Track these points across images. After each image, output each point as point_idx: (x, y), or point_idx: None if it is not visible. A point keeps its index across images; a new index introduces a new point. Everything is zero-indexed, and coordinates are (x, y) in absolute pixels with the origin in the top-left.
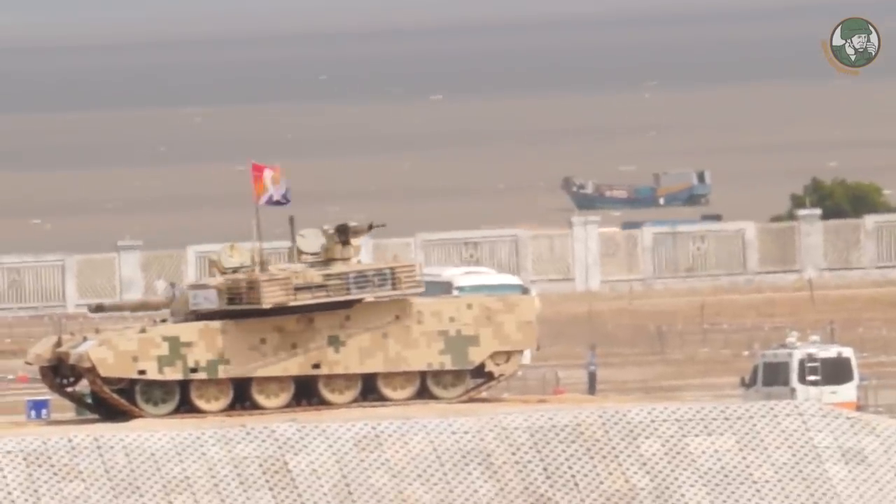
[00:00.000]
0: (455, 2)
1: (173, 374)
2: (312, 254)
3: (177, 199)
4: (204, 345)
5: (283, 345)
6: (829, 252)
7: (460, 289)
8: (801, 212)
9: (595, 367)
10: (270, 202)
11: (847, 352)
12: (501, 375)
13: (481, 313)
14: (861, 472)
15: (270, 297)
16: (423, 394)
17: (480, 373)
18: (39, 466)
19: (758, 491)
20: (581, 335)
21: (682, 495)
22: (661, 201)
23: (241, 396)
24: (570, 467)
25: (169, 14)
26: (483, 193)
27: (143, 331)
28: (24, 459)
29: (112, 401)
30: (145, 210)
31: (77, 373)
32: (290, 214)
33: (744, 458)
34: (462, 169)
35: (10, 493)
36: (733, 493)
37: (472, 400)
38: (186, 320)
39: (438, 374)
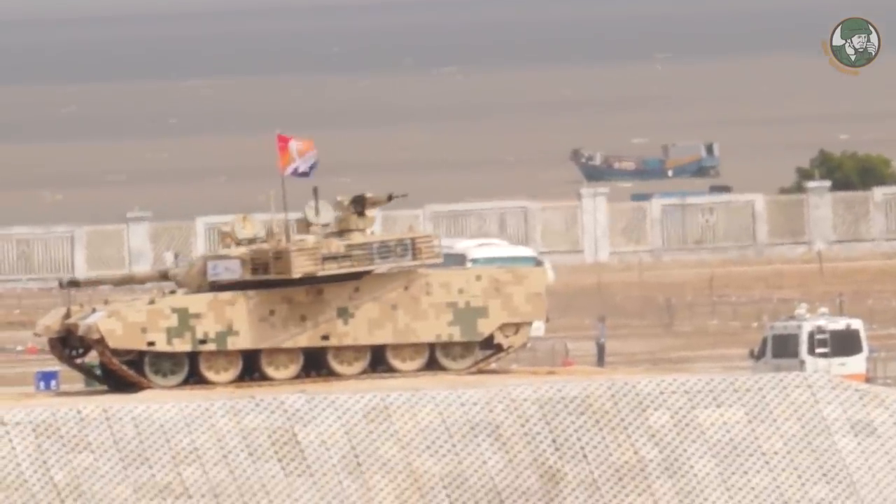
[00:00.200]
0: None
1: (182, 345)
2: (322, 225)
3: (186, 170)
4: (213, 316)
5: (292, 316)
6: (838, 224)
7: (474, 261)
8: (810, 184)
9: (604, 339)
10: (296, 173)
11: (856, 324)
12: (510, 347)
13: (490, 285)
14: (870, 444)
15: (299, 266)
16: (432, 365)
17: (489, 344)
18: (48, 438)
19: (767, 463)
20: (590, 307)
21: (691, 467)
22: (670, 173)
23: (250, 368)
24: (578, 439)
25: None
26: (492, 165)
27: (152, 302)
28: (34, 431)
29: (121, 372)
30: (154, 181)
31: (86, 344)
32: (315, 185)
33: (753, 429)
34: (471, 141)
35: (19, 465)
36: (742, 464)
37: (480, 371)
38: (200, 291)
39: (447, 346)
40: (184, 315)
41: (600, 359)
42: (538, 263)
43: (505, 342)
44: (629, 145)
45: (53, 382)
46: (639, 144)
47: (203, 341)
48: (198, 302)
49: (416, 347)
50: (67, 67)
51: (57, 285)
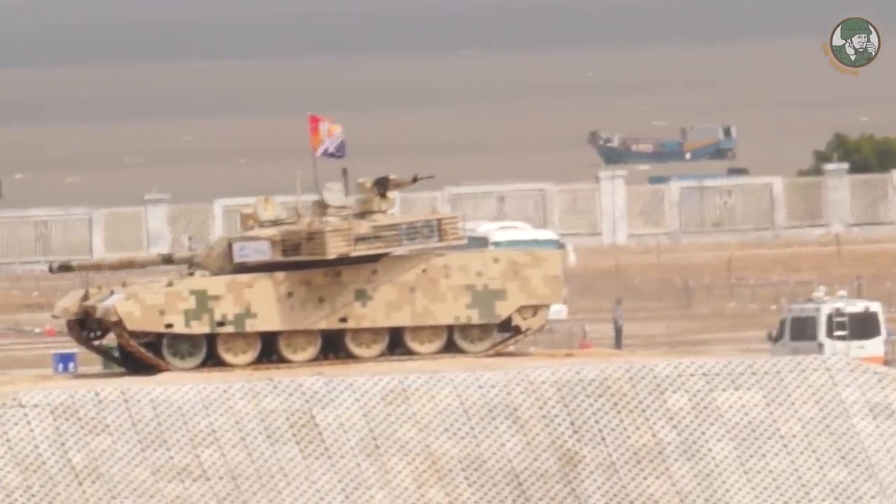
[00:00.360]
0: None
1: (200, 327)
2: (337, 207)
3: (205, 152)
4: (231, 298)
5: (310, 299)
6: (857, 207)
7: (496, 244)
8: (828, 166)
9: (622, 322)
10: (325, 154)
11: (874, 306)
12: (528, 329)
13: (508, 267)
14: (889, 427)
15: (334, 247)
16: (450, 348)
17: (507, 327)
18: (66, 420)
19: (785, 446)
20: (608, 289)
21: (710, 450)
22: (688, 156)
23: (269, 350)
24: (596, 421)
25: None
26: (510, 148)
27: (170, 284)
28: (52, 413)
29: (139, 354)
30: (173, 163)
31: (104, 326)
32: (344, 167)
33: (771, 412)
34: (489, 123)
35: (37, 447)
36: (760, 447)
37: (498, 354)
38: (223, 273)
39: (465, 329)
40: (202, 297)
41: (618, 341)
42: (560, 246)
43: (523, 324)
44: (649, 127)
45: (71, 364)
46: (658, 127)
47: (221, 323)
48: (216, 284)
49: (434, 330)
50: (86, 49)
51: (47, 269)
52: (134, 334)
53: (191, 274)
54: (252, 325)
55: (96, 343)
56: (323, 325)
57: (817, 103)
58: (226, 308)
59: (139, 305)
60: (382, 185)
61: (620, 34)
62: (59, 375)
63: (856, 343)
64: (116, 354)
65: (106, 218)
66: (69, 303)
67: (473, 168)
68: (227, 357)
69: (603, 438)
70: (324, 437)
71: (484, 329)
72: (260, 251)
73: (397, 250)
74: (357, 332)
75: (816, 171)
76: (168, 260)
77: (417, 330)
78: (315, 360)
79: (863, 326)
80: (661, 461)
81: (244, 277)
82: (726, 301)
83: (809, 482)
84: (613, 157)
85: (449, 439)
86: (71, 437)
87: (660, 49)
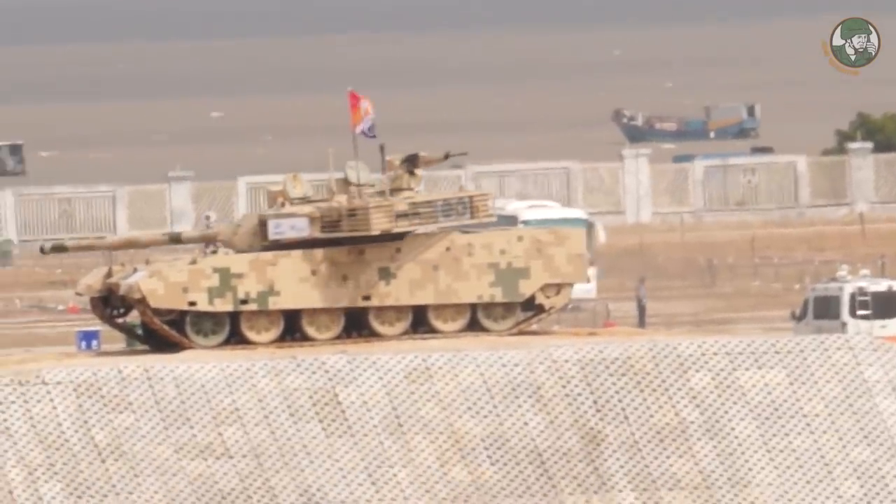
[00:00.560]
0: None
1: (223, 305)
2: (358, 185)
3: (232, 130)
4: (254, 276)
5: (333, 276)
6: (881, 186)
7: (525, 222)
8: (852, 145)
9: (645, 300)
10: (363, 132)
11: None
12: (552, 308)
13: (532, 246)
14: None
15: (377, 223)
16: (474, 326)
17: (531, 305)
18: (90, 397)
19: (808, 425)
20: (632, 268)
21: (732, 428)
22: (712, 135)
23: (292, 328)
24: (619, 400)
25: None
26: (534, 126)
27: (193, 262)
28: (75, 390)
29: (162, 332)
30: (199, 141)
31: (127, 304)
32: (381, 143)
33: (794, 391)
34: (513, 102)
35: (60, 424)
36: (783, 426)
37: (522, 332)
38: (252, 251)
39: (489, 307)
40: (225, 275)
41: (641, 320)
42: (590, 225)
43: (546, 303)
44: (674, 106)
45: (94, 342)
46: (682, 105)
47: (244, 301)
48: (239, 262)
49: (457, 308)
50: (113, 26)
51: (39, 251)
52: (157, 312)
53: (214, 252)
54: (275, 303)
55: (119, 320)
56: (346, 303)
57: (841, 82)
58: (249, 286)
59: (162, 283)
60: (412, 163)
61: (646, 12)
62: (82, 353)
63: (879, 322)
64: (139, 332)
65: (130, 195)
66: (93, 280)
67: (497, 146)
68: (251, 335)
69: (626, 417)
70: (347, 416)
71: (507, 307)
72: (297, 228)
73: (434, 227)
74: (380, 310)
75: (840, 150)
76: (176, 239)
77: (441, 308)
78: (338, 338)
79: (886, 305)
80: (683, 440)
81: (267, 255)
82: (750, 280)
83: (832, 461)
84: (637, 135)
85: (472, 418)
86: (94, 415)
87: (685, 27)
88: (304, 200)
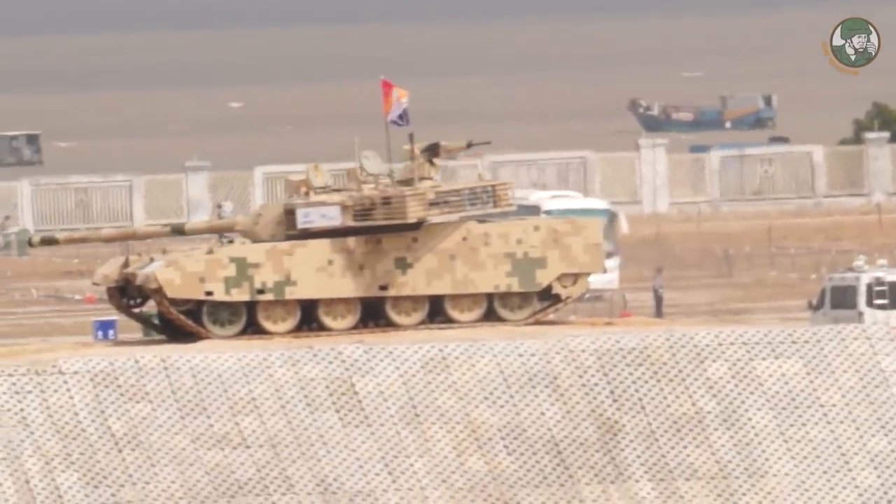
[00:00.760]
0: None
1: (240, 295)
2: (374, 175)
3: (251, 120)
4: (271, 266)
5: (350, 266)
6: None
7: (548, 212)
8: (869, 135)
9: (662, 290)
10: (393, 120)
11: None
12: (568, 298)
13: (548, 235)
14: None
15: (413, 211)
16: (490, 316)
17: (547, 295)
18: (106, 387)
19: (825, 415)
20: (649, 258)
21: (749, 418)
22: (728, 125)
23: (309, 318)
24: (636, 390)
25: None
26: (549, 116)
27: (210, 252)
28: (91, 380)
29: (179, 322)
30: (217, 131)
31: (144, 293)
32: (411, 132)
33: (811, 381)
34: (529, 91)
35: (76, 414)
36: (800, 416)
37: (538, 322)
38: (275, 240)
39: (505, 297)
40: (242, 265)
41: (658, 310)
42: (613, 215)
43: (563, 293)
44: (683, 94)
45: (111, 332)
46: (698, 95)
47: (261, 291)
48: (256, 251)
49: (474, 298)
50: (132, 16)
51: (27, 244)
52: (174, 302)
53: (230, 241)
54: (292, 293)
55: (136, 310)
56: (363, 292)
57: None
58: (266, 276)
59: (179, 273)
60: (433, 152)
61: (663, 2)
62: (98, 343)
63: None
64: (156, 322)
65: (146, 185)
66: (109, 270)
67: (514, 136)
68: (267, 325)
69: (643, 407)
70: (363, 406)
71: (524, 297)
72: (328, 217)
73: (462, 215)
74: (397, 300)
75: (856, 140)
76: (179, 231)
77: (457, 298)
78: (355, 328)
79: None
80: (700, 430)
81: (284, 245)
82: (767, 270)
83: (849, 451)
84: (653, 125)
85: (489, 407)
86: (111, 405)
87: (702, 18)
88: (326, 190)
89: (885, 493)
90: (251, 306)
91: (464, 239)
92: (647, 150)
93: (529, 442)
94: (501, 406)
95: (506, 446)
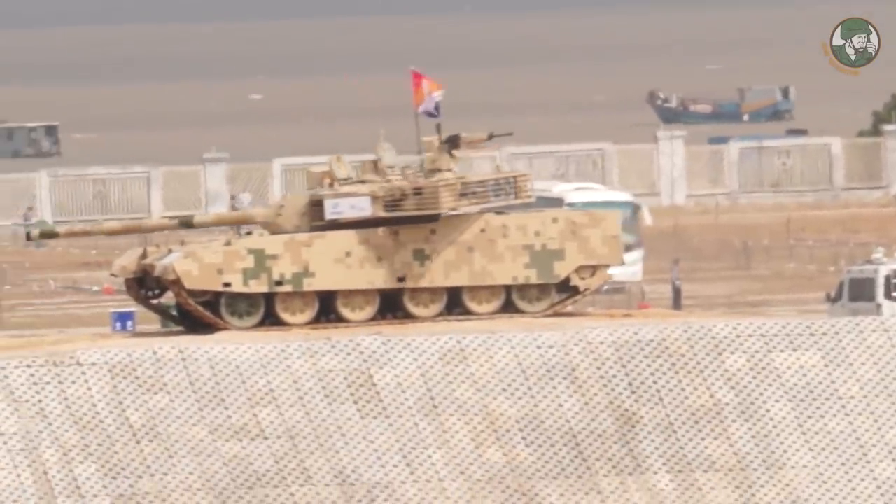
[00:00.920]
0: None
1: (258, 286)
2: (388, 167)
3: (272, 112)
4: (289, 257)
5: (368, 258)
6: None
7: (571, 205)
8: (887, 127)
9: (679, 282)
10: (423, 113)
11: None
12: (587, 290)
13: (567, 227)
14: None
15: (446, 201)
16: (508, 308)
17: (565, 287)
18: (124, 378)
19: (843, 407)
20: (667, 250)
21: (767, 410)
22: (746, 117)
23: (327, 309)
24: (654, 382)
25: None
26: (567, 107)
27: (228, 243)
28: (109, 371)
29: (197, 313)
30: (234, 123)
31: (162, 285)
32: (438, 122)
33: (829, 373)
34: (547, 83)
35: (94, 405)
36: (818, 408)
37: (557, 314)
38: (299, 231)
39: (524, 289)
40: (260, 256)
41: (676, 302)
42: (636, 208)
43: (581, 285)
44: (702, 86)
45: (129, 323)
46: (716, 87)
47: (279, 283)
48: (274, 243)
49: (492, 290)
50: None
51: (25, 237)
52: (192, 293)
53: (248, 233)
54: (310, 285)
55: (154, 302)
56: (381, 284)
57: (875, 63)
58: (284, 267)
59: (197, 264)
60: (453, 143)
61: None
62: (116, 334)
63: None
64: (174, 313)
65: (164, 176)
66: (127, 261)
67: (530, 128)
68: (285, 316)
69: (661, 399)
70: (381, 397)
71: (542, 289)
72: (358, 207)
73: (488, 206)
74: (415, 291)
75: (875, 132)
76: (187, 223)
77: (475, 290)
78: (373, 319)
79: None
80: (718, 422)
81: (302, 237)
82: (785, 262)
83: (867, 443)
84: (671, 117)
85: (507, 399)
86: (128, 396)
87: (722, 10)
88: (349, 181)
89: None
90: (269, 298)
91: (482, 231)
92: (665, 142)
93: (547, 434)
94: (520, 398)
95: (524, 438)
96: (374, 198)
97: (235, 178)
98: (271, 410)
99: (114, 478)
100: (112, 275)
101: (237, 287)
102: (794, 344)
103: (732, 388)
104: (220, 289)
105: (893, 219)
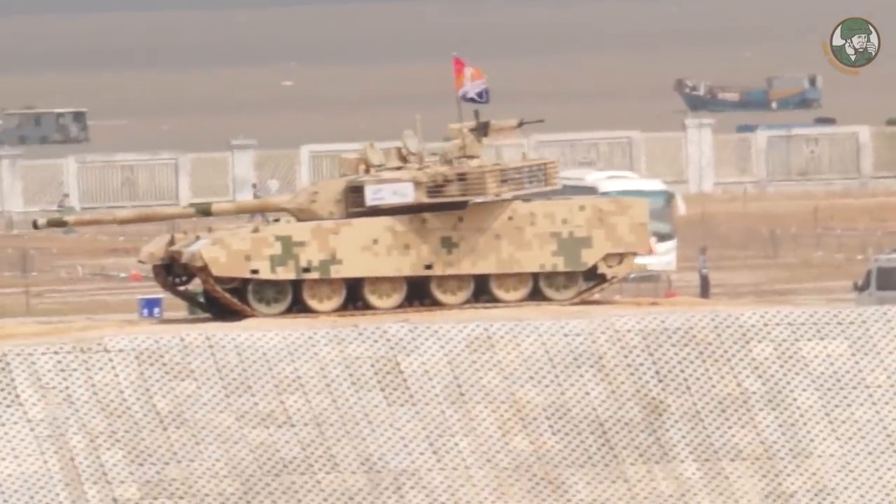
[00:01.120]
0: None
1: (286, 273)
2: (413, 154)
3: (303, 99)
4: (317, 245)
5: (395, 245)
6: None
7: (605, 193)
8: None
9: (706, 270)
10: (465, 98)
11: None
12: (614, 277)
13: (594, 215)
14: None
15: (491, 187)
16: (536, 295)
17: (593, 275)
18: (151, 365)
19: (870, 396)
20: (694, 238)
21: (794, 399)
22: (774, 105)
23: (354, 297)
24: (682, 370)
25: None
26: (595, 96)
27: (256, 230)
28: (136, 358)
29: (224, 300)
30: (263, 110)
31: (190, 272)
32: (476, 109)
33: (856, 362)
34: (575, 71)
35: (122, 392)
36: (846, 397)
37: (584, 302)
38: (334, 218)
39: (551, 276)
40: (287, 243)
41: (703, 290)
42: (670, 196)
43: (609, 272)
44: (737, 75)
45: (157, 310)
46: (745, 75)
47: (307, 269)
48: (301, 230)
49: (519, 277)
50: None
51: (32, 226)
52: (219, 280)
53: (276, 220)
54: (337, 272)
55: (182, 288)
56: (408, 271)
57: None
58: (311, 254)
59: (225, 251)
60: (482, 130)
61: None
62: (144, 320)
63: None
64: (202, 300)
65: (192, 163)
66: (155, 248)
67: (559, 116)
68: (313, 303)
69: (688, 387)
70: (408, 384)
71: (569, 277)
72: (400, 193)
73: (523, 193)
74: (442, 279)
75: None
76: (205, 211)
77: (503, 277)
78: (400, 306)
79: None
80: (745, 410)
81: (329, 224)
82: (812, 250)
83: (895, 432)
84: (699, 105)
85: (534, 387)
86: (156, 383)
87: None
88: (382, 168)
89: None
90: (297, 285)
91: (510, 218)
92: (693, 130)
93: (574, 422)
94: (546, 386)
95: (551, 426)
96: (417, 184)
97: (263, 165)
98: (298, 397)
99: (140, 464)
100: (140, 261)
101: (264, 274)
102: (821, 333)
103: (759, 376)
104: (248, 275)
105: None
